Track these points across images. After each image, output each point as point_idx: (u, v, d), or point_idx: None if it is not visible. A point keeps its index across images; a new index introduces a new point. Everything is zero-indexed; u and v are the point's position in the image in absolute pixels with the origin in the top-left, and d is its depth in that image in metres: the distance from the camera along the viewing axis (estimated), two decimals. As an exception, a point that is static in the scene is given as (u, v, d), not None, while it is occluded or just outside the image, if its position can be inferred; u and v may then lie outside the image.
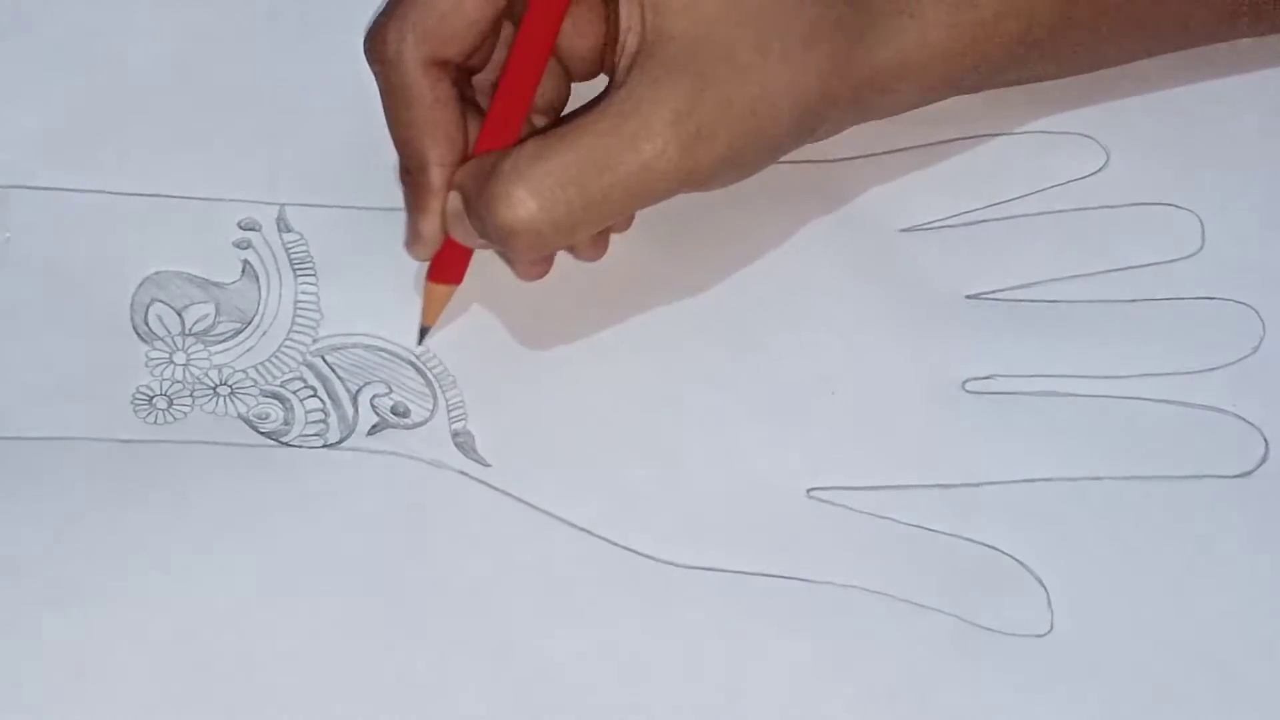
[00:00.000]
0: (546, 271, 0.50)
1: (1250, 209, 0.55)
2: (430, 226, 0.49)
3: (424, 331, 0.51)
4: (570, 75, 0.50)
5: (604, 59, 0.50)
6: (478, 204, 0.46)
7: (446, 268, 0.50)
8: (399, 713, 0.46)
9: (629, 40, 0.47)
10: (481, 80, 0.50)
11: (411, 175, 0.48)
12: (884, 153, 0.55)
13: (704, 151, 0.46)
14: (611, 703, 0.46)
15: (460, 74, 0.49)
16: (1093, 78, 0.56)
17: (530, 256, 0.48)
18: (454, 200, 0.48)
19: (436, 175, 0.48)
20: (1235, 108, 0.56)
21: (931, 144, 0.56)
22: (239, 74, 0.55)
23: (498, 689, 0.46)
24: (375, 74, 0.48)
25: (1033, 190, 0.55)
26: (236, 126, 0.54)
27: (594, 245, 0.50)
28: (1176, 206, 0.55)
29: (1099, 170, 0.55)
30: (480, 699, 0.46)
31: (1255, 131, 0.56)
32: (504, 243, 0.46)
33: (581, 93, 0.50)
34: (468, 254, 0.50)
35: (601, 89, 0.48)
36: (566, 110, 0.50)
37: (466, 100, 0.49)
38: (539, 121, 0.50)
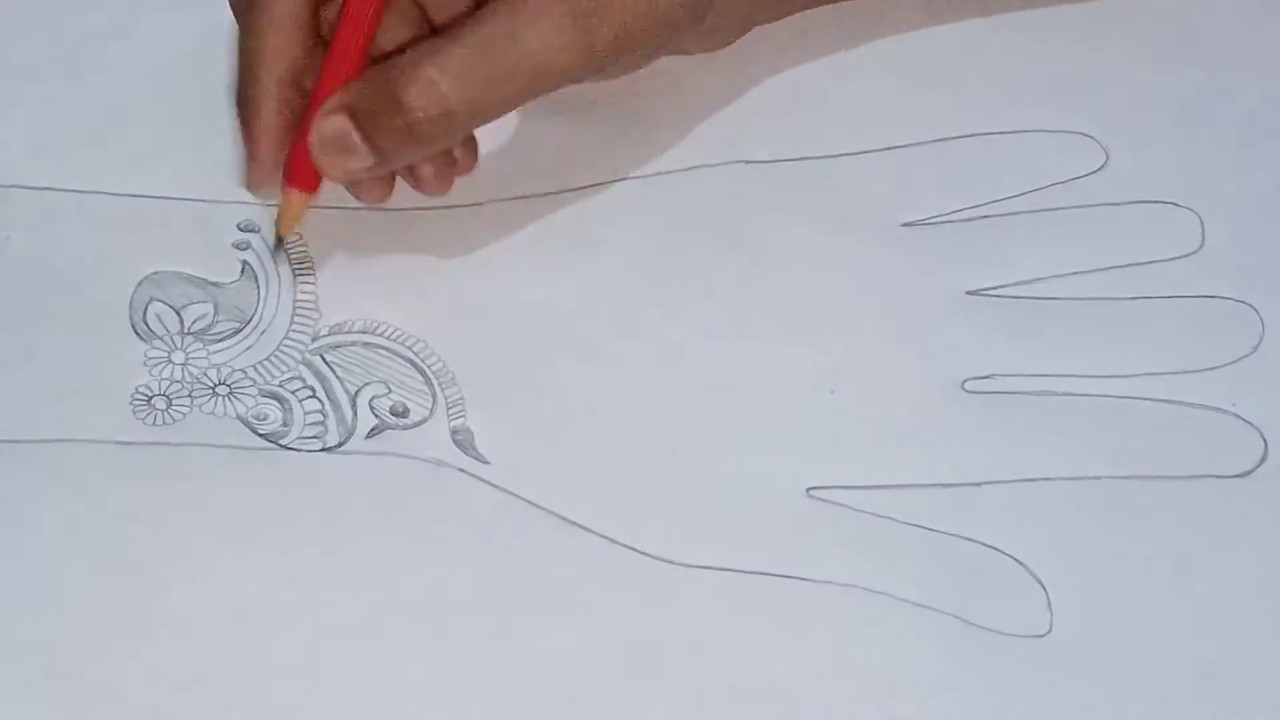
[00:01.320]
0: (389, 193, 0.50)
1: (1250, 208, 0.55)
2: (268, 145, 0.48)
3: (279, 241, 0.51)
4: (433, 21, 0.50)
5: None
6: (377, 103, 0.47)
7: (306, 172, 0.49)
8: (399, 713, 0.46)
9: None
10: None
11: (248, 92, 0.48)
12: (885, 149, 0.55)
13: (598, 27, 0.47)
14: (611, 702, 0.46)
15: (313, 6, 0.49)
16: (1092, 77, 0.56)
17: (440, 143, 0.48)
18: (334, 123, 0.47)
19: (271, 92, 0.48)
20: (1236, 106, 0.57)
21: (932, 141, 0.56)
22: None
23: (497, 688, 0.46)
24: (235, 6, 0.49)
25: (1033, 189, 0.55)
26: (237, 128, 0.54)
27: (441, 177, 0.50)
28: (1176, 205, 0.55)
29: (1099, 169, 0.55)
30: (479, 698, 0.46)
31: (1255, 131, 0.56)
32: (413, 133, 0.47)
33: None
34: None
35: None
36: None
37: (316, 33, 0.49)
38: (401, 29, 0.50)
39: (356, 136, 0.47)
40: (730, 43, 0.52)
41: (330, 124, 0.47)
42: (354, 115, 0.47)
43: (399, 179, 0.50)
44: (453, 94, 0.46)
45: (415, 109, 0.46)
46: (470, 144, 0.50)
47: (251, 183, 0.49)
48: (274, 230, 0.51)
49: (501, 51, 0.46)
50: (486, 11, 0.46)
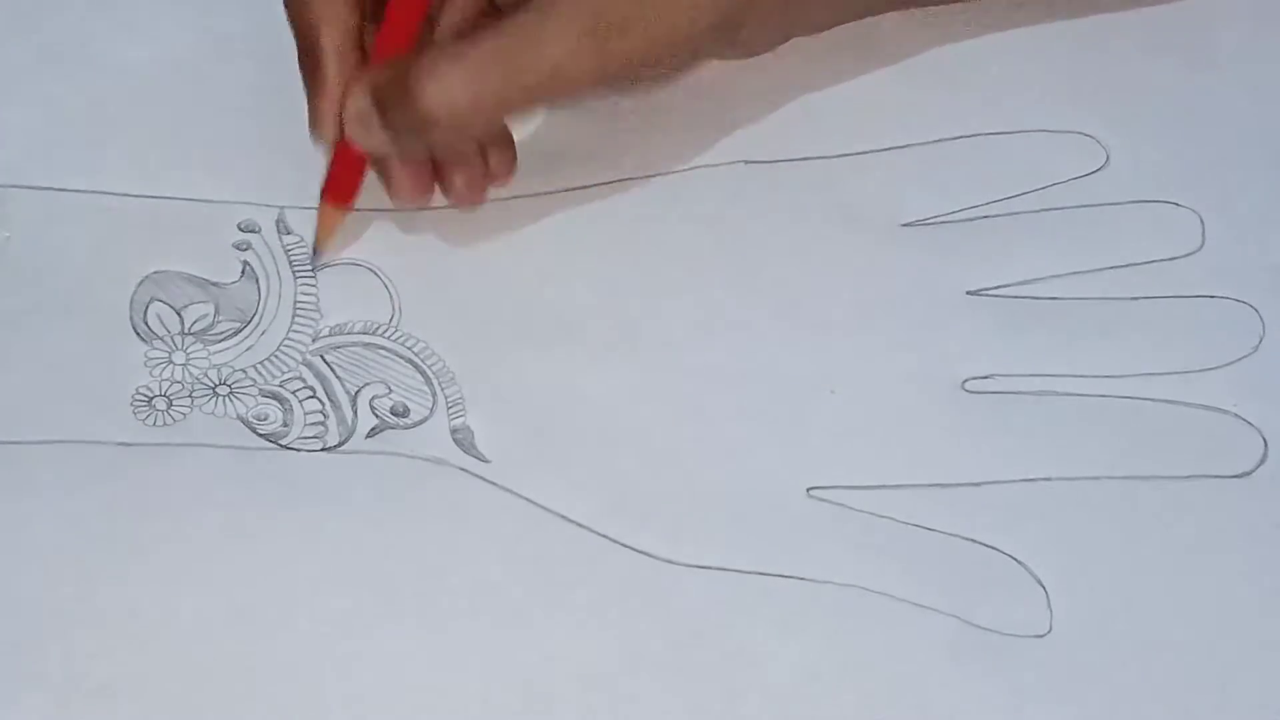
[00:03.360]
0: (427, 197, 0.51)
1: (1250, 208, 0.55)
2: (328, 105, 0.49)
3: (317, 254, 0.52)
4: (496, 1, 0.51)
5: None
6: (396, 90, 0.47)
7: (341, 188, 0.50)
8: (399, 712, 0.46)
9: None
10: None
11: (309, 54, 0.49)
12: (885, 149, 0.55)
13: (620, 42, 0.47)
14: (611, 701, 0.46)
15: None
16: (1092, 77, 0.56)
17: (449, 136, 0.49)
18: (359, 101, 0.48)
19: (332, 55, 0.49)
20: (1236, 106, 0.57)
21: (932, 141, 0.56)
22: (240, 75, 0.55)
23: (497, 687, 0.46)
24: None
25: (1033, 189, 0.55)
26: (237, 128, 0.54)
27: (474, 186, 0.51)
28: (1177, 205, 0.55)
29: (1099, 169, 0.55)
30: (479, 697, 0.46)
31: (1255, 131, 0.56)
32: (426, 122, 0.47)
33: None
34: (360, 174, 0.50)
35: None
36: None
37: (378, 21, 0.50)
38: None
39: (375, 118, 0.48)
40: (767, 51, 0.52)
41: (355, 101, 0.49)
42: (375, 96, 0.48)
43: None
44: (463, 91, 0.47)
45: (425, 101, 0.47)
46: (506, 153, 0.51)
47: (319, 134, 0.50)
48: (314, 243, 0.52)
49: (517, 55, 0.46)
50: (509, 16, 0.47)
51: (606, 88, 0.48)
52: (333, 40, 0.49)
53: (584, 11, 0.47)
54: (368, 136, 0.49)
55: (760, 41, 0.51)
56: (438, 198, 0.51)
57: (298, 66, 0.50)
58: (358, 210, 0.52)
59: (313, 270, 0.52)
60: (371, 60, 0.49)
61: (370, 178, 0.51)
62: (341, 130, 0.50)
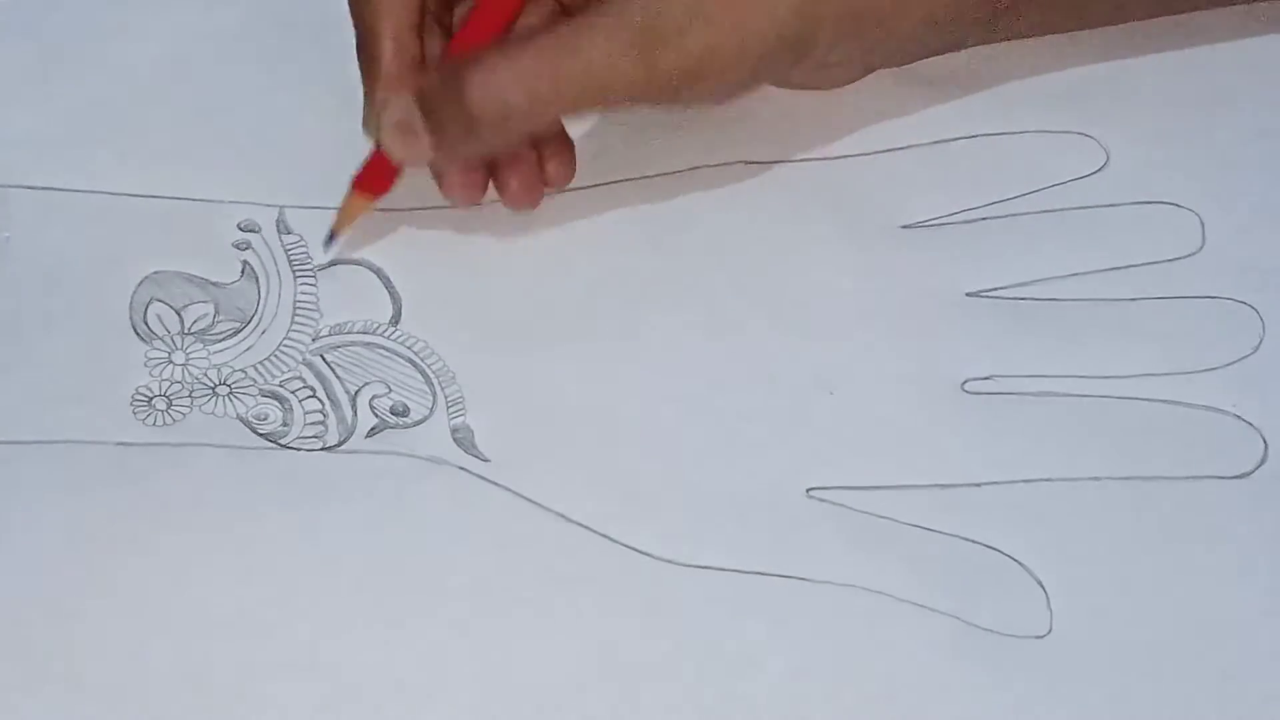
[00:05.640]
0: (479, 197, 0.51)
1: (1250, 208, 0.55)
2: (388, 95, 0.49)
3: (331, 237, 0.51)
4: (569, 11, 0.51)
5: None
6: (443, 94, 0.47)
7: (375, 179, 0.50)
8: (398, 712, 0.46)
9: None
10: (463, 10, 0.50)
11: (367, 46, 0.49)
12: (885, 150, 0.55)
13: (669, 55, 0.47)
14: (610, 701, 0.46)
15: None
16: (1092, 77, 0.56)
17: (499, 141, 0.49)
18: (402, 109, 0.48)
19: (390, 46, 0.49)
20: (1236, 107, 0.57)
21: (932, 143, 0.56)
22: (240, 75, 0.55)
23: (497, 687, 0.46)
24: None
25: (1033, 189, 0.55)
26: (237, 128, 0.54)
27: (529, 189, 0.51)
28: (1177, 205, 0.55)
29: (1099, 169, 0.55)
30: (479, 697, 0.46)
31: (1255, 131, 0.56)
32: (472, 126, 0.47)
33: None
34: (398, 170, 0.50)
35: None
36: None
37: (442, 25, 0.50)
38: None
39: (420, 124, 0.48)
40: (846, 84, 0.51)
41: (399, 104, 0.48)
42: (422, 101, 0.48)
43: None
44: (513, 96, 0.47)
45: (475, 104, 0.47)
46: (565, 157, 0.51)
47: (370, 134, 0.50)
48: (330, 226, 0.51)
49: (566, 63, 0.46)
50: (561, 21, 0.47)
51: (661, 102, 0.48)
52: (392, 32, 0.49)
53: (633, 19, 0.46)
54: (412, 143, 0.48)
55: (832, 69, 0.50)
56: (431, 198, 0.51)
57: (356, 59, 0.50)
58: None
59: (313, 270, 0.52)
60: (444, 54, 0.49)
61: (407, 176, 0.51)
62: (360, 169, 0.50)
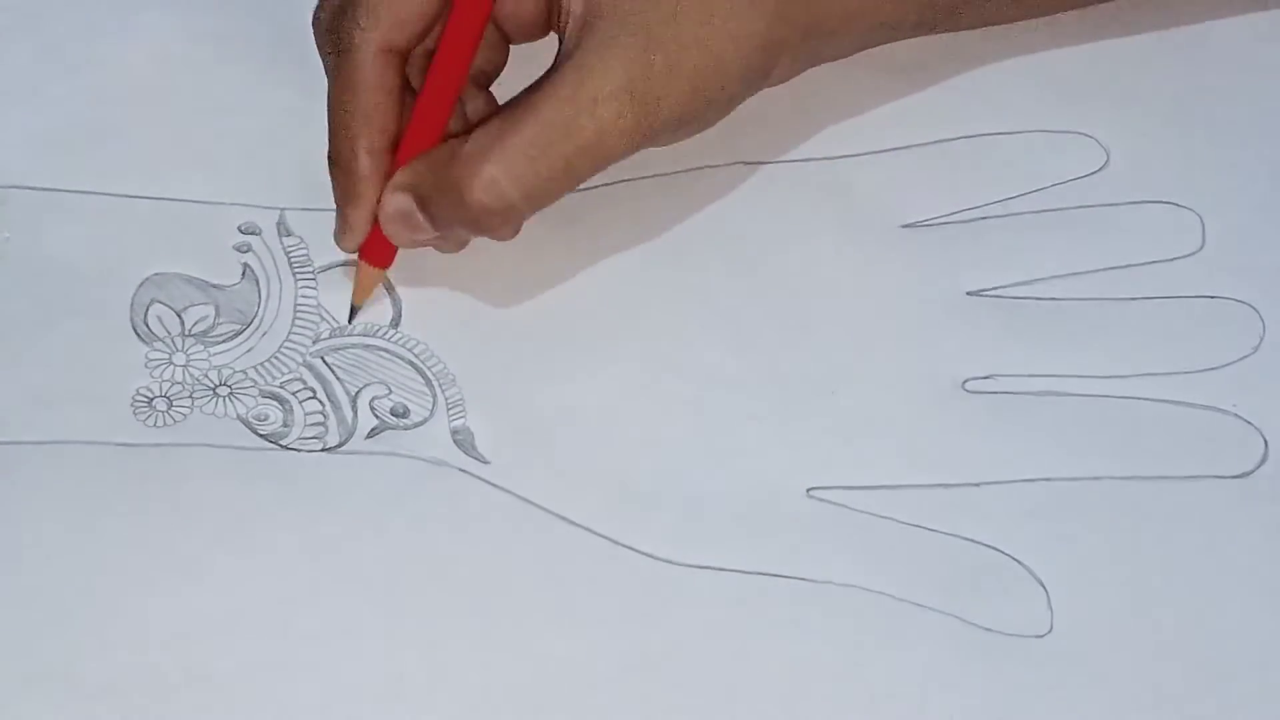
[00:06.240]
0: (465, 245, 0.51)
1: (1250, 208, 0.55)
2: (360, 215, 0.49)
3: (354, 311, 0.51)
4: (510, 39, 0.51)
5: (549, 22, 0.50)
6: (441, 193, 0.47)
7: (379, 249, 0.50)
8: (399, 712, 0.46)
9: (574, 6, 0.48)
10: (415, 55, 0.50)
11: (341, 164, 0.49)
12: (885, 150, 0.55)
13: (659, 111, 0.47)
14: (610, 701, 0.46)
15: (405, 60, 0.49)
16: (1092, 77, 0.56)
17: (503, 233, 0.49)
18: (400, 201, 0.48)
19: (366, 163, 0.49)
20: (1235, 106, 0.57)
21: (933, 142, 0.56)
22: (241, 77, 0.55)
23: (497, 687, 0.46)
24: (326, 61, 0.49)
25: (1033, 189, 0.55)
26: (238, 130, 0.54)
27: (511, 231, 0.50)
28: (1177, 205, 0.55)
29: (1099, 169, 0.55)
30: (479, 697, 0.46)
31: (1255, 131, 0.56)
32: (477, 223, 0.48)
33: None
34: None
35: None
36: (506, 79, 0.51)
37: (406, 85, 0.49)
38: (473, 90, 0.50)
39: (420, 216, 0.48)
40: (795, 76, 0.52)
41: (395, 201, 0.48)
42: (418, 196, 0.48)
43: None
44: (513, 190, 0.47)
45: (478, 204, 0.47)
46: None
47: (345, 246, 0.50)
48: (351, 301, 0.51)
49: (561, 143, 0.47)
50: (545, 93, 0.47)
51: (652, 145, 0.48)
52: (371, 149, 0.49)
53: (619, 84, 0.46)
54: (408, 235, 0.49)
55: (789, 75, 0.51)
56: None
57: (327, 169, 0.49)
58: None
59: (314, 273, 0.52)
60: (400, 154, 0.49)
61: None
62: (366, 242, 0.50)
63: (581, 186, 0.53)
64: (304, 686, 0.46)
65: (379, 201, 0.49)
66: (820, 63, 0.52)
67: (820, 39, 0.50)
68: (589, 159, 0.47)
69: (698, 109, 0.48)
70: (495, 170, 0.47)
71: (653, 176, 0.54)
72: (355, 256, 0.51)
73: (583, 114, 0.46)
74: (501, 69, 0.51)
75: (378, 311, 0.52)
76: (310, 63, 0.49)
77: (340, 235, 0.50)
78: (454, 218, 0.48)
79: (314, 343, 0.51)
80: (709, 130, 0.54)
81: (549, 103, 0.47)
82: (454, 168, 0.47)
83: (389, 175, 0.49)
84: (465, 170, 0.47)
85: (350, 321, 0.52)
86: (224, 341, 0.51)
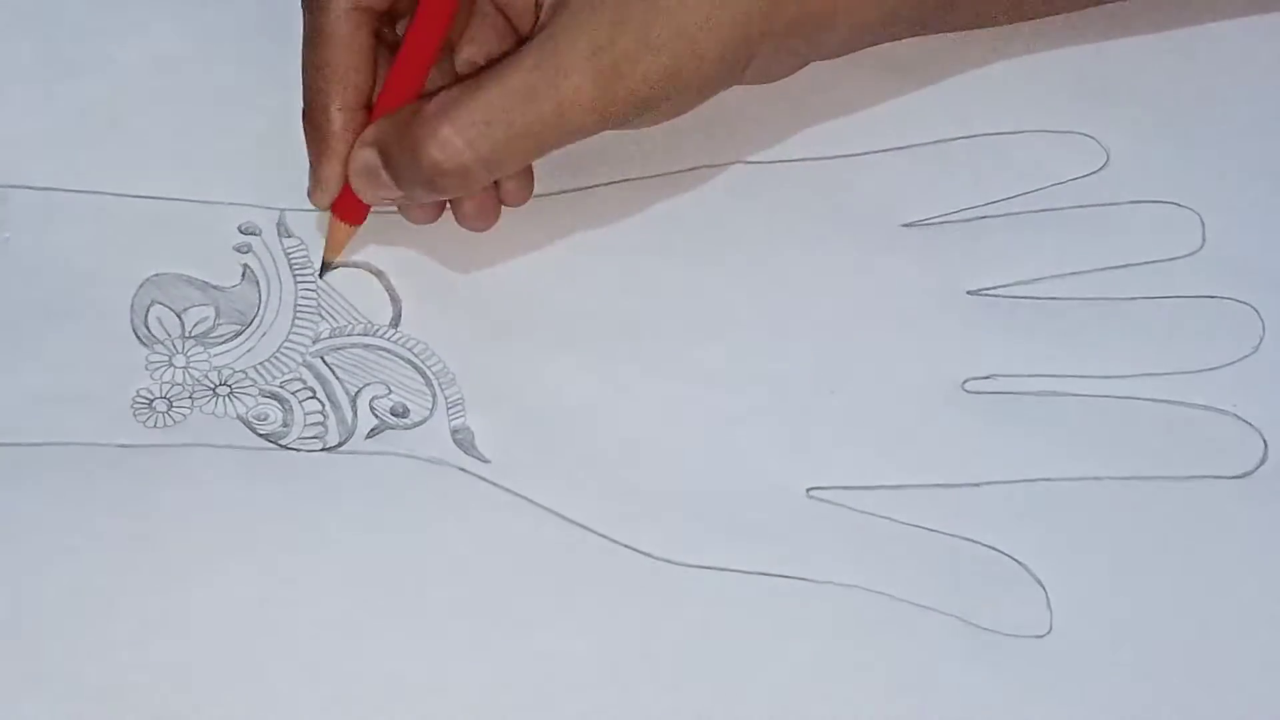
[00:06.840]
0: (437, 217, 0.51)
1: (1250, 208, 0.55)
2: (332, 170, 0.49)
3: (325, 266, 0.51)
4: (518, 30, 0.51)
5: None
6: (401, 150, 0.47)
7: (351, 206, 0.50)
8: (399, 712, 0.46)
9: None
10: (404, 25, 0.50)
11: (314, 119, 0.49)
12: (885, 150, 0.55)
13: (621, 87, 0.47)
14: (610, 701, 0.46)
15: (382, 20, 0.49)
16: (1092, 77, 0.56)
17: (457, 194, 0.49)
18: (366, 156, 0.48)
19: (339, 119, 0.49)
20: (1236, 106, 0.57)
21: (932, 142, 0.56)
22: (240, 77, 0.55)
23: (497, 687, 0.46)
24: (305, 16, 0.49)
25: (1033, 189, 0.55)
26: (238, 131, 0.54)
27: (484, 213, 0.51)
28: (1177, 205, 0.55)
29: (1099, 169, 0.55)
30: (480, 697, 0.46)
31: (1255, 131, 0.56)
32: (431, 183, 0.47)
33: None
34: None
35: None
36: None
37: (385, 44, 0.50)
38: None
39: (384, 174, 0.48)
40: (787, 75, 0.51)
41: (362, 156, 0.48)
42: (382, 152, 0.48)
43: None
44: (468, 152, 0.47)
45: (432, 163, 0.47)
46: (523, 179, 0.50)
47: (317, 202, 0.50)
48: (323, 255, 0.51)
49: (520, 110, 0.46)
50: (512, 63, 0.47)
51: (617, 127, 0.48)
52: (343, 105, 0.49)
53: (584, 55, 0.46)
54: (373, 191, 0.49)
55: (776, 70, 0.50)
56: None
57: (301, 126, 0.50)
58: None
59: (313, 273, 0.52)
60: (373, 113, 0.49)
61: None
62: (339, 199, 0.50)
63: (581, 186, 0.53)
64: (304, 686, 0.46)
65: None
66: (810, 61, 0.51)
67: (806, 34, 0.50)
68: (550, 130, 0.47)
69: (666, 91, 0.47)
70: (450, 131, 0.46)
71: (653, 176, 0.54)
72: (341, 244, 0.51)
73: (544, 83, 0.46)
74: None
75: (377, 311, 0.52)
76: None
77: (313, 191, 0.50)
78: (412, 177, 0.48)
79: (314, 342, 0.51)
80: (709, 130, 0.54)
81: (514, 71, 0.46)
82: (415, 126, 0.47)
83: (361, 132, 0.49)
84: (424, 129, 0.47)
85: (321, 277, 0.52)
86: (224, 342, 0.51)
